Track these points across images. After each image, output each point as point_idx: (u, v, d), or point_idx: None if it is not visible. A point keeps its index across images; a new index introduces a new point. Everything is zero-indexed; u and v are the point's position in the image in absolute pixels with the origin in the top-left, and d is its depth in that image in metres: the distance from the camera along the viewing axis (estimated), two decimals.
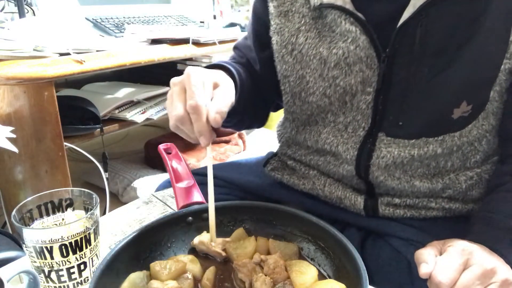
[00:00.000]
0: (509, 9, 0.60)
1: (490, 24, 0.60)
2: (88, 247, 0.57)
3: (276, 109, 0.88)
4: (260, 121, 0.89)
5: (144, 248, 0.60)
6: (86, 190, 0.61)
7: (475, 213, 0.67)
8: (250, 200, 0.83)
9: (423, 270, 0.51)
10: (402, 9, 0.61)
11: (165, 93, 1.67)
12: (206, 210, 0.66)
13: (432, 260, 0.52)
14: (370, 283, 0.51)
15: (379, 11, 0.64)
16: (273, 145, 0.91)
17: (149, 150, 1.90)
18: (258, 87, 0.82)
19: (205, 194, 0.71)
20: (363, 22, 0.63)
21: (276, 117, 0.90)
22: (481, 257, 0.51)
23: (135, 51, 1.33)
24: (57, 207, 0.61)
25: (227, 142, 2.00)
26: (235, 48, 0.87)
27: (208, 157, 0.60)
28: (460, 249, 0.52)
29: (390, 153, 0.68)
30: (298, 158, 0.82)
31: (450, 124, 0.65)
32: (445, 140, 0.66)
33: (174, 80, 0.58)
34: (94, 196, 0.60)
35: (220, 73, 0.66)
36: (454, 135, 0.65)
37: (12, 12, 1.57)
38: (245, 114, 0.82)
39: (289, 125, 0.80)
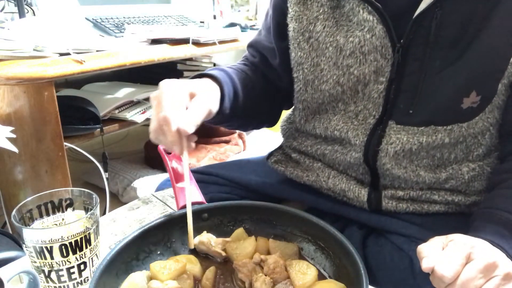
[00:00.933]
0: None
1: (501, 18, 0.62)
2: (88, 247, 0.57)
3: (289, 106, 0.87)
4: (271, 120, 0.89)
5: (144, 248, 0.60)
6: (86, 190, 0.61)
7: (476, 209, 0.67)
8: (251, 198, 0.83)
9: (425, 264, 0.51)
10: (419, 1, 0.63)
11: None
12: (206, 210, 0.66)
13: (434, 254, 0.52)
14: (372, 281, 0.51)
15: (397, 1, 0.65)
16: (273, 146, 0.91)
17: (149, 150, 1.90)
18: (271, 85, 0.82)
19: (204, 192, 0.71)
20: (380, 11, 0.64)
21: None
22: (483, 251, 0.51)
23: (135, 51, 1.33)
24: (57, 207, 0.61)
25: (227, 142, 1.99)
26: (248, 46, 0.88)
27: (185, 164, 0.61)
28: (462, 243, 0.52)
29: (399, 139, 0.69)
30: (304, 149, 0.82)
31: (459, 114, 0.66)
32: (453, 130, 0.67)
33: (151, 95, 0.61)
34: (94, 196, 0.60)
35: (202, 82, 0.67)
36: (462, 125, 0.67)
37: (12, 12, 1.57)
38: (252, 116, 0.82)
39: (298, 114, 0.80)
